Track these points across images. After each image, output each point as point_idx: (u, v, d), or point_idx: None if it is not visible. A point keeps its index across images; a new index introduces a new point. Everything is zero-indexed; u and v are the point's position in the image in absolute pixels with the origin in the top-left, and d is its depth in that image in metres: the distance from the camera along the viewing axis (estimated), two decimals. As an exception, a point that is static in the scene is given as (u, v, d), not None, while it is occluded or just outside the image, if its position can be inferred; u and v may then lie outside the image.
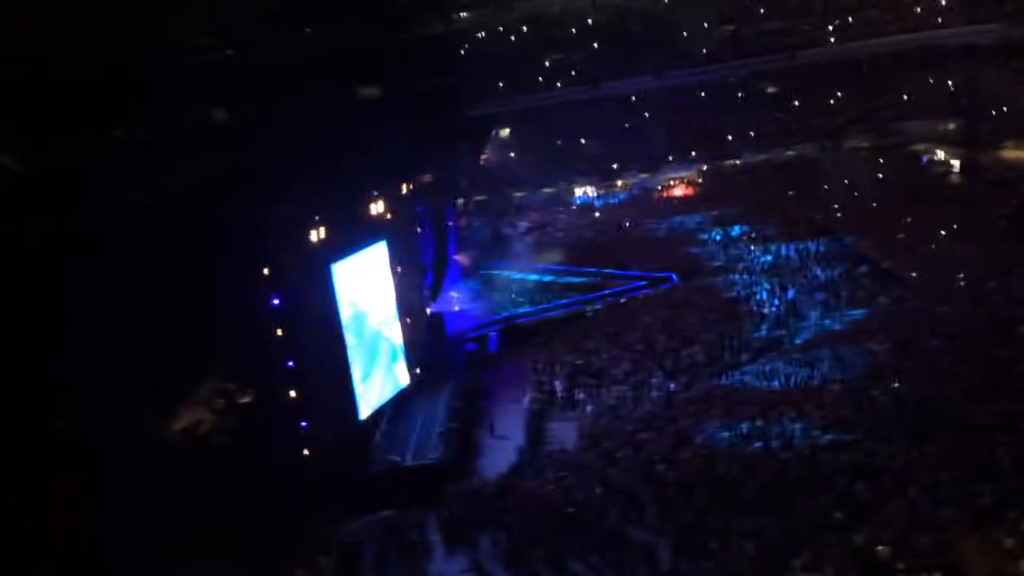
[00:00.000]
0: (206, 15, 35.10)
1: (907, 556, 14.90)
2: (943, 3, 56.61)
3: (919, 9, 57.30)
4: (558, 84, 59.45)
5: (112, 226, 22.79)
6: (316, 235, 26.08)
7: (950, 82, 55.43)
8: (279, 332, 24.27)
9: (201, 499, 20.11)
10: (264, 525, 19.86)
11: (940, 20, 56.71)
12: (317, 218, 26.17)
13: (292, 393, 24.46)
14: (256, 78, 32.38)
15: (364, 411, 28.33)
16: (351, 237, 28.46)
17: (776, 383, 27.74)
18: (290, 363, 24.41)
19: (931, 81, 56.37)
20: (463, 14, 63.97)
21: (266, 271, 24.03)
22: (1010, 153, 47.70)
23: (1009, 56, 53.30)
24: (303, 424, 24.65)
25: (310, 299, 25.69)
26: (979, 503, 15.91)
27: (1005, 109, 50.59)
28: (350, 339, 27.87)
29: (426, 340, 33.29)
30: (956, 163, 50.51)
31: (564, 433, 27.39)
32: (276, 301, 24.16)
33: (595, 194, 57.80)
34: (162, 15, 29.84)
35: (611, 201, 56.31)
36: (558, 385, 30.38)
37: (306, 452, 24.56)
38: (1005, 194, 41.61)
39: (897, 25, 57.72)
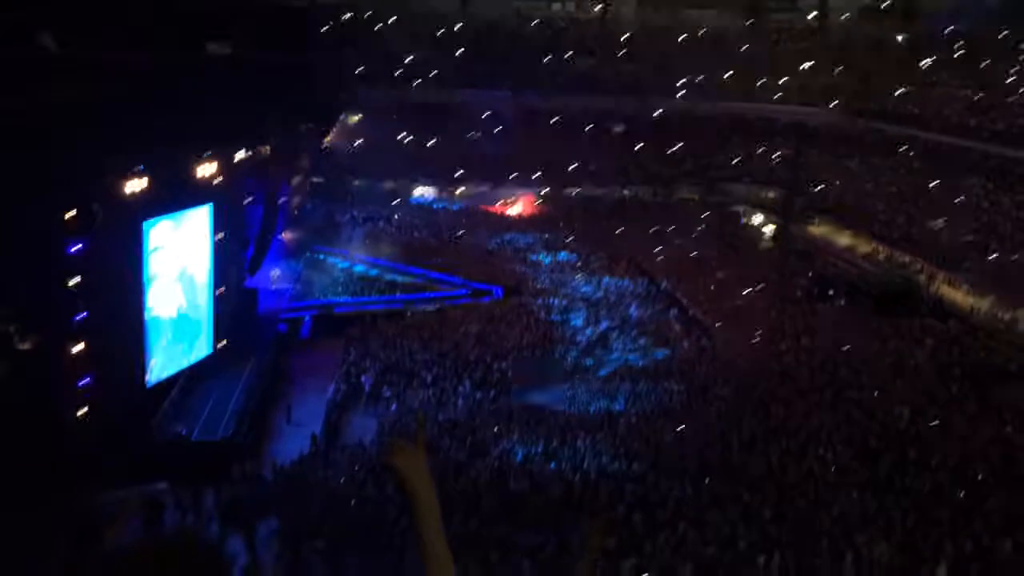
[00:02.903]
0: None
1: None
2: (781, 82, 60.80)
3: (764, 81, 61.23)
4: (417, 82, 59.23)
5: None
6: (134, 186, 24.42)
7: (777, 154, 59.61)
8: (75, 280, 22.51)
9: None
10: (21, 484, 18.28)
11: (778, 96, 60.96)
12: (140, 168, 24.54)
13: (78, 346, 22.72)
14: (98, 9, 30.12)
15: (154, 376, 26.85)
16: (173, 195, 26.83)
17: (576, 408, 28.73)
18: (81, 315, 22.67)
19: (760, 150, 60.43)
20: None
21: (71, 214, 22.21)
22: (816, 229, 51.77)
23: (834, 141, 57.96)
24: (84, 380, 22.96)
25: (115, 252, 24.03)
26: (738, 544, 17.05)
27: (821, 187, 54.92)
28: (152, 300, 26.34)
29: (236, 314, 31.95)
30: (769, 229, 54.36)
31: (363, 428, 27.08)
32: (77, 247, 22.40)
33: (433, 197, 57.95)
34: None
35: (448, 207, 56.58)
36: (365, 380, 30.05)
37: (82, 411, 22.88)
38: (806, 265, 45.03)
39: (741, 93, 61.43)
